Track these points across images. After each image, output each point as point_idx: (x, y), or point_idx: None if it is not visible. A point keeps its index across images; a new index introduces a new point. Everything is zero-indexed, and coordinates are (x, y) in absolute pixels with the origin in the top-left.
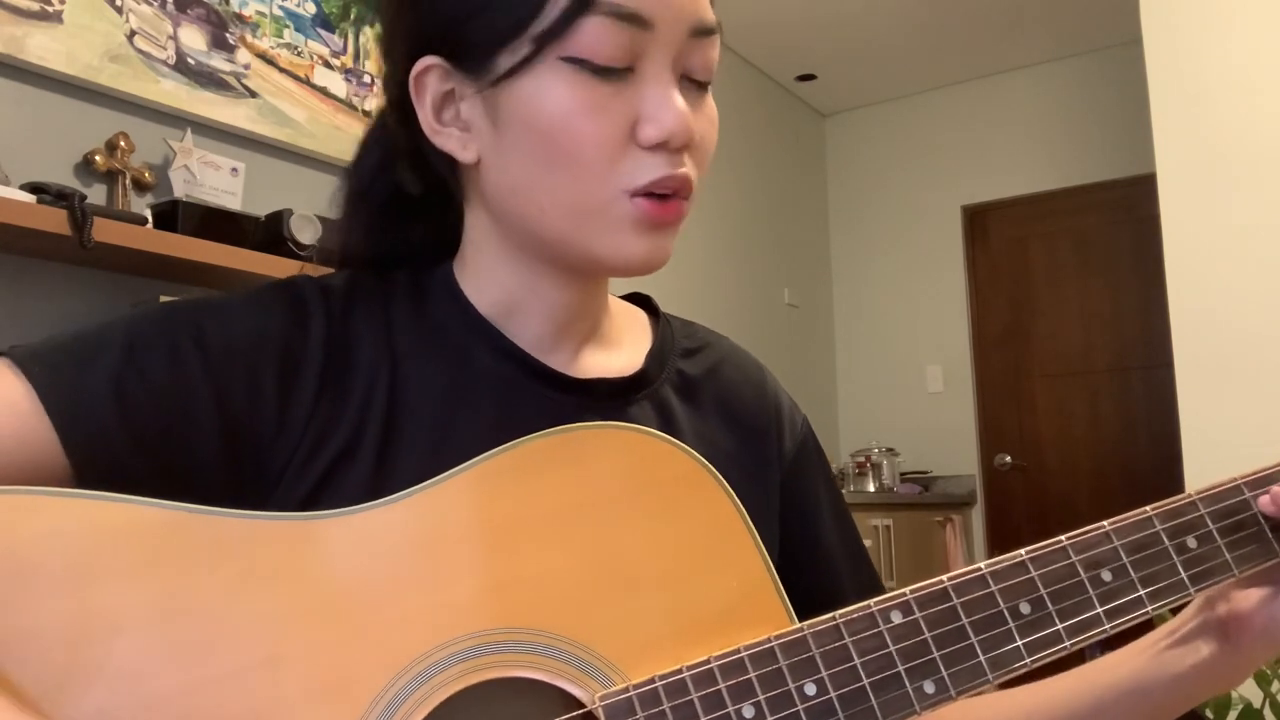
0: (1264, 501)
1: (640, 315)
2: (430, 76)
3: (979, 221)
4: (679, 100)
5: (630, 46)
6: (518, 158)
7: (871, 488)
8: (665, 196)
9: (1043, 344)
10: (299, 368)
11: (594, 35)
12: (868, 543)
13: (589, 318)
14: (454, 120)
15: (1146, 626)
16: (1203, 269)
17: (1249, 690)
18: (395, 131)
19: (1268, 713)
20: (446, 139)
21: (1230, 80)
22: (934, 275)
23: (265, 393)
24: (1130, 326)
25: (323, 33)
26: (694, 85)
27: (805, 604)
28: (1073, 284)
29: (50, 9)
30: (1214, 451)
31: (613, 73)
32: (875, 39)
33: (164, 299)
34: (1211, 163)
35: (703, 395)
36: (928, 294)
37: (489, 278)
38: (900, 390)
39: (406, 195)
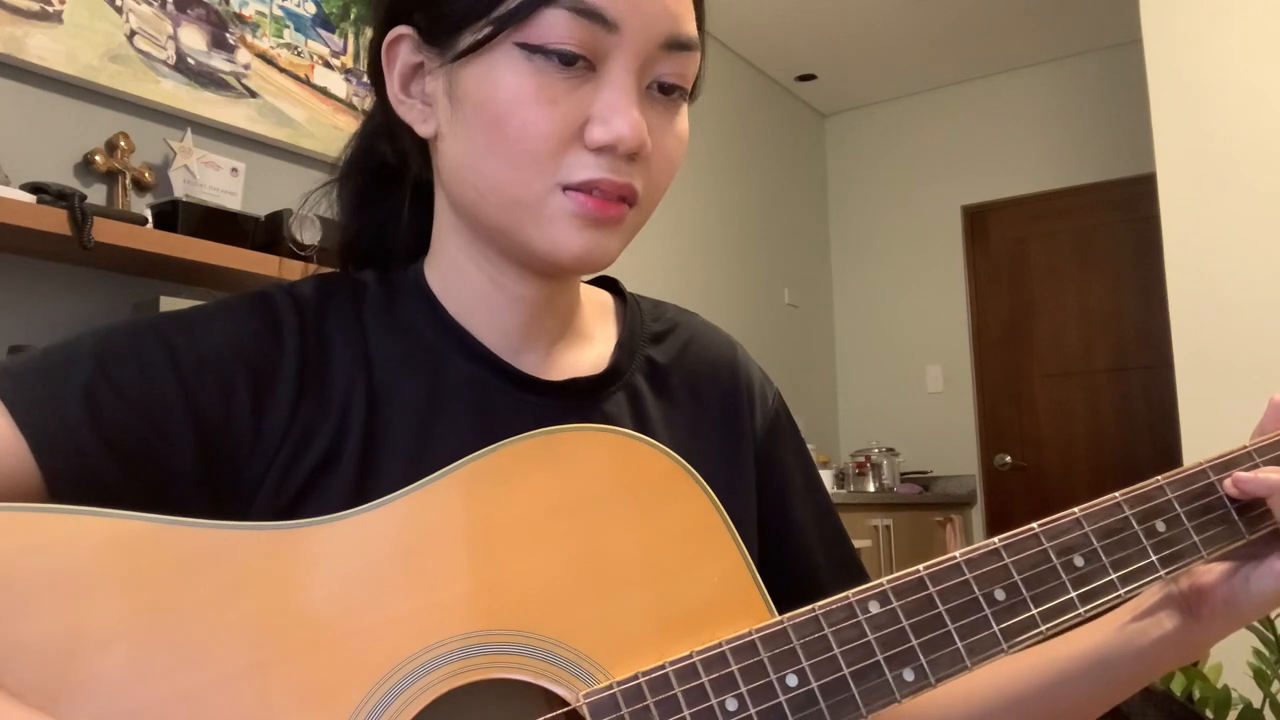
0: (1227, 485)
1: (608, 302)
2: (402, 46)
3: (979, 221)
4: (634, 108)
5: (592, 44)
6: (466, 138)
7: (871, 488)
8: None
9: (1043, 344)
10: (273, 377)
11: (553, 26)
12: (867, 543)
13: (559, 314)
14: (419, 93)
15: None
16: (1203, 269)
17: (1249, 690)
18: (374, 99)
19: (1268, 712)
20: (408, 110)
21: (1230, 80)
22: (934, 275)
23: (239, 403)
24: (1130, 326)
25: (323, 33)
26: (664, 97)
27: (780, 579)
28: (1073, 284)
29: (50, 9)
30: (1214, 451)
31: (568, 67)
32: (875, 39)
33: (164, 299)
34: (1211, 163)
35: (673, 380)
36: (928, 294)
37: (455, 272)
38: (900, 390)
39: (392, 172)
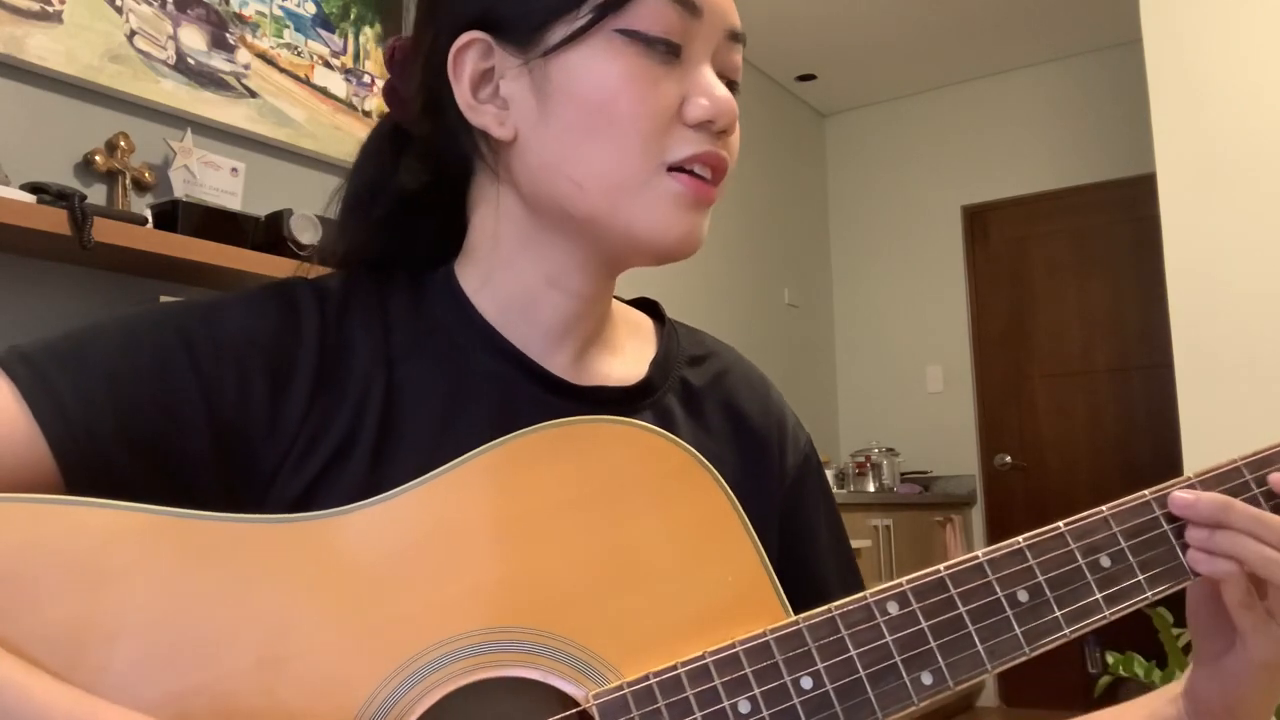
0: (1275, 479)
1: (646, 322)
2: (469, 54)
3: (979, 221)
4: (722, 85)
5: (681, 30)
6: (560, 130)
7: (871, 488)
8: (704, 178)
9: (1043, 344)
10: (291, 370)
11: (652, 11)
12: (867, 543)
13: (595, 316)
14: (491, 98)
15: (1141, 618)
16: (1203, 269)
17: None
18: (416, 118)
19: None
20: (482, 115)
21: (1230, 80)
22: (934, 275)
23: (256, 394)
24: (1130, 326)
25: (323, 33)
26: (726, 86)
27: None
28: (1073, 284)
29: (50, 9)
30: (1214, 451)
31: (665, 51)
32: (875, 39)
33: (164, 299)
34: (1211, 163)
35: (706, 405)
36: (928, 294)
37: (505, 273)
38: (900, 390)
39: (413, 196)
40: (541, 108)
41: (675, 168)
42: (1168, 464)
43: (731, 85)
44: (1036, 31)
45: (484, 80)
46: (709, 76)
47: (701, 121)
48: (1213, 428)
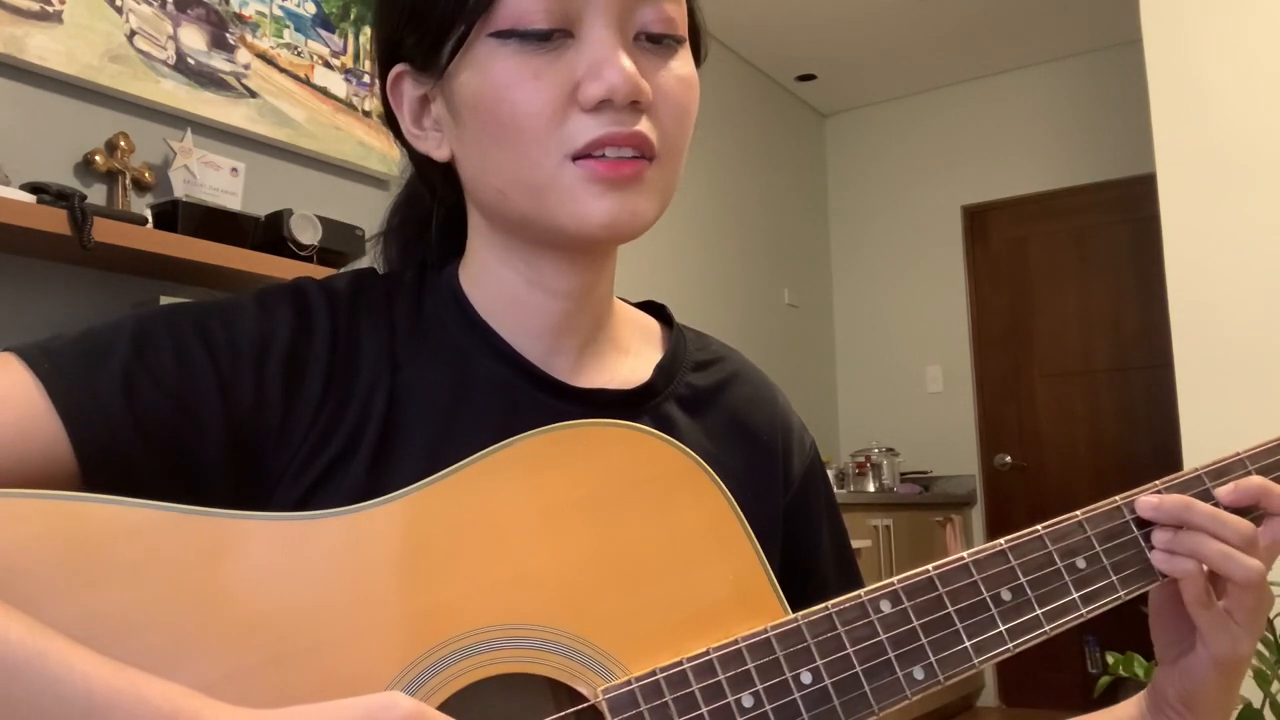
0: (1222, 492)
1: (653, 325)
2: (404, 84)
3: (979, 221)
4: (622, 57)
5: (561, 11)
6: (472, 143)
7: (871, 488)
8: (620, 157)
9: (1043, 344)
10: (304, 371)
11: (519, 5)
12: (867, 543)
13: (592, 311)
14: (431, 124)
15: (1124, 613)
16: (1203, 269)
17: (1249, 690)
18: (402, 153)
19: (1268, 713)
20: (423, 141)
21: (1231, 80)
22: (934, 275)
23: (271, 395)
24: (1130, 326)
25: (323, 33)
26: (654, 45)
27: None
28: (1073, 284)
29: (50, 9)
30: (1214, 451)
31: (545, 40)
32: (875, 39)
33: (164, 299)
34: (1211, 163)
35: (711, 409)
36: (928, 294)
37: (489, 277)
38: (900, 390)
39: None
40: (457, 125)
41: (580, 155)
42: (1168, 464)
43: (660, 39)
44: (1036, 32)
45: (423, 107)
46: (600, 51)
47: (599, 102)
48: (1213, 428)
